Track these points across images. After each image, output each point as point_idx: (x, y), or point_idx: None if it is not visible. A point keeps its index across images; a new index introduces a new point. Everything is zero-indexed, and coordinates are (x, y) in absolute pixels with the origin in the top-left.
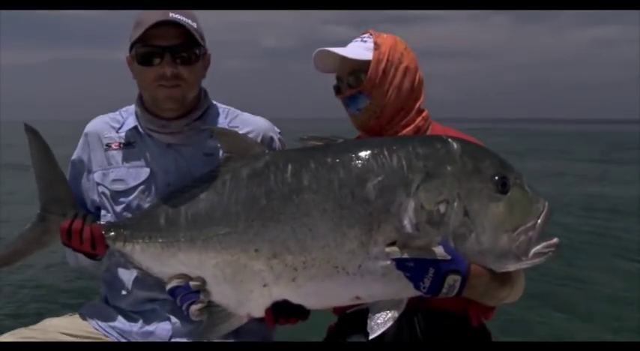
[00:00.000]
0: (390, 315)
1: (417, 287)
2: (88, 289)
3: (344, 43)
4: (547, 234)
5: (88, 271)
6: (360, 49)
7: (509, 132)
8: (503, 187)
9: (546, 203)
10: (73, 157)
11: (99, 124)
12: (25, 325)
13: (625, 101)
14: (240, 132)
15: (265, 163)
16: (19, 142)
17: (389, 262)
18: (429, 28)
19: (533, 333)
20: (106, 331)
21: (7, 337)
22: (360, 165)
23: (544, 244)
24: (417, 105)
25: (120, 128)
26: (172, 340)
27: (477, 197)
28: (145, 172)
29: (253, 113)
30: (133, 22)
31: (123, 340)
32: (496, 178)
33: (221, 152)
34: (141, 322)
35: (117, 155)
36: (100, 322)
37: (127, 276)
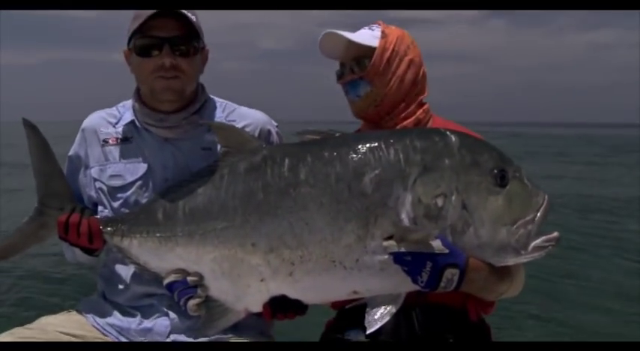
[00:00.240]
0: (387, 309)
1: (414, 281)
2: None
3: None
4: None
5: (85, 266)
6: (367, 36)
7: (507, 135)
8: (502, 180)
9: (546, 196)
10: (70, 152)
11: (96, 120)
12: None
13: (622, 106)
14: (238, 125)
15: (263, 157)
16: (19, 142)
17: (386, 256)
18: (427, 32)
19: (529, 329)
20: (104, 329)
21: (5, 337)
22: (357, 158)
23: (544, 238)
24: (420, 99)
25: (117, 123)
26: (171, 335)
27: (475, 191)
28: (143, 168)
29: None
30: (132, 15)
31: (122, 339)
32: (495, 171)
33: (219, 146)
34: (139, 317)
35: (114, 150)
36: (97, 319)
37: (125, 271)
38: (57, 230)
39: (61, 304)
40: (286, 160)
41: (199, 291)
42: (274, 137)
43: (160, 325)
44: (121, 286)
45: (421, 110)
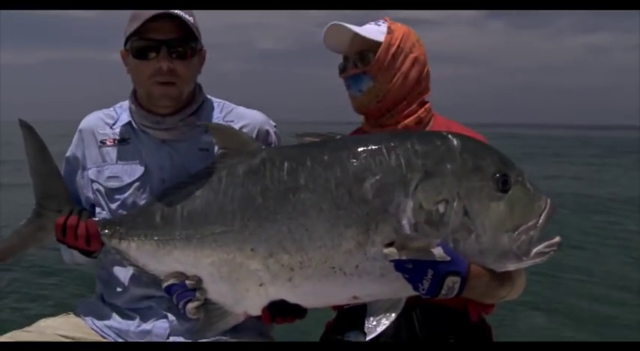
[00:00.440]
0: (387, 316)
1: (415, 289)
2: None
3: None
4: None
5: (84, 268)
6: (373, 30)
7: (505, 136)
8: (504, 185)
9: (548, 201)
10: (68, 153)
11: (93, 121)
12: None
13: (620, 108)
14: (236, 126)
15: (261, 160)
16: (19, 141)
17: (387, 263)
18: (425, 33)
19: (530, 318)
20: (103, 332)
21: (3, 339)
22: (357, 163)
23: (545, 243)
24: (422, 98)
25: (114, 124)
26: (170, 338)
27: (477, 196)
28: (140, 169)
29: None
30: (130, 15)
31: (120, 341)
32: (497, 176)
33: (216, 147)
34: (138, 320)
35: (111, 152)
36: (96, 322)
37: (123, 273)
38: (54, 232)
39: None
40: (285, 164)
41: (198, 294)
42: (272, 137)
43: (159, 328)
44: (119, 289)
45: (423, 109)
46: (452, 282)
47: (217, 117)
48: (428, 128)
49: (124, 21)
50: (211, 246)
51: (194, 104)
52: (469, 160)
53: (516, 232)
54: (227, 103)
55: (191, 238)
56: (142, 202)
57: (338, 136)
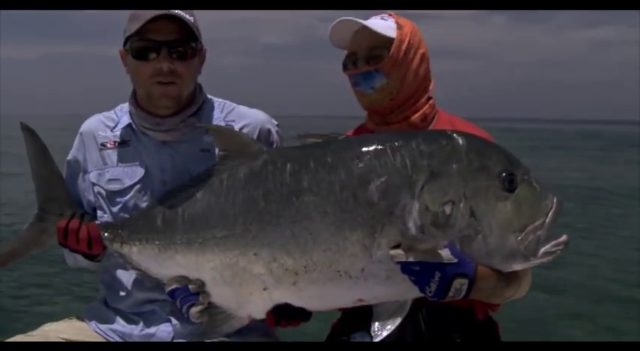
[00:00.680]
0: (393, 318)
1: (422, 291)
2: None
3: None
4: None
5: (87, 271)
6: (384, 26)
7: (506, 130)
8: (510, 184)
9: (555, 199)
10: (69, 157)
11: (94, 123)
12: None
13: (621, 102)
14: (237, 125)
15: (263, 162)
16: (18, 134)
17: (393, 265)
18: (426, 27)
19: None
20: (107, 335)
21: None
22: (361, 165)
23: (553, 242)
24: (428, 93)
25: (115, 127)
26: (174, 341)
27: (483, 197)
28: (141, 171)
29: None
30: (129, 15)
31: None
32: (503, 175)
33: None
34: (141, 324)
35: (112, 154)
36: (100, 325)
37: (126, 277)
38: (56, 236)
39: None
40: (288, 166)
41: (201, 298)
42: (274, 137)
43: (163, 331)
44: (122, 293)
45: (427, 105)
46: (459, 284)
47: (218, 117)
48: (432, 124)
49: (124, 15)
50: (213, 250)
51: (194, 105)
52: (475, 159)
53: (523, 232)
54: (228, 102)
55: (192, 242)
56: (144, 205)
57: (340, 137)
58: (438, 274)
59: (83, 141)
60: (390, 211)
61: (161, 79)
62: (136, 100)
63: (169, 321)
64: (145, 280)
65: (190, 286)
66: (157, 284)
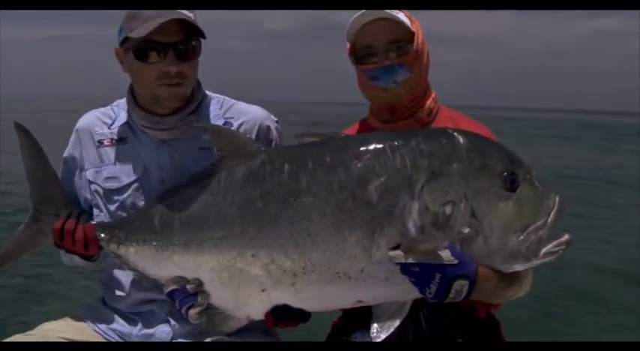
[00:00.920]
0: (393, 319)
1: (422, 292)
2: None
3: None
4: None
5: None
6: (402, 18)
7: (508, 119)
8: (512, 184)
9: (557, 198)
10: (65, 154)
11: (90, 120)
12: None
13: (621, 93)
14: (236, 122)
15: (261, 162)
16: (18, 116)
17: (392, 266)
18: (426, 15)
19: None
20: (106, 334)
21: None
22: (360, 165)
23: (554, 242)
24: (430, 87)
25: (112, 124)
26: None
27: (484, 197)
28: (138, 169)
29: (253, 95)
30: (126, 13)
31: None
32: (505, 174)
33: None
34: (140, 324)
35: (109, 152)
36: (99, 325)
37: (124, 277)
38: (52, 237)
39: None
40: (286, 166)
41: (200, 298)
42: (274, 133)
43: (162, 332)
44: (120, 293)
45: (431, 99)
46: (460, 285)
47: (217, 114)
48: (436, 119)
49: None
50: (211, 251)
51: (193, 103)
52: (476, 158)
53: (525, 233)
54: (227, 98)
55: (190, 243)
56: (141, 203)
57: (339, 136)
58: (438, 276)
59: (79, 138)
60: (390, 211)
61: (167, 81)
62: (134, 99)
63: (168, 321)
64: (142, 281)
65: (188, 287)
66: (155, 284)
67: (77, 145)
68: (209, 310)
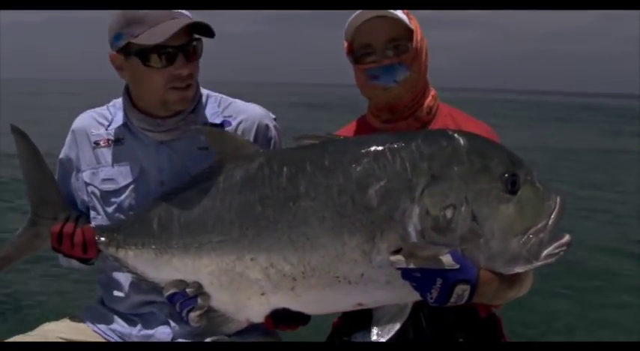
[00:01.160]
0: (393, 322)
1: (423, 297)
2: None
3: (349, 14)
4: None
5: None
6: (401, 15)
7: (508, 101)
8: (513, 185)
9: (558, 199)
10: (61, 155)
11: (86, 120)
12: None
13: (622, 76)
14: (235, 120)
15: (259, 165)
16: (19, 99)
17: (393, 270)
18: None
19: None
20: (106, 334)
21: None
22: (360, 168)
23: (555, 244)
24: (428, 85)
25: (109, 125)
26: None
27: (485, 200)
28: (136, 171)
29: (254, 77)
30: (124, 16)
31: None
32: (505, 176)
33: None
34: (140, 325)
35: (106, 153)
36: (99, 325)
37: (123, 279)
38: (50, 240)
39: None
40: (284, 170)
41: (200, 301)
42: (272, 132)
43: (162, 333)
44: (120, 294)
45: (431, 97)
46: (461, 290)
47: (215, 112)
48: (435, 117)
49: None
50: (210, 255)
51: (193, 102)
52: (477, 160)
53: (526, 235)
54: (224, 97)
55: (189, 247)
56: (139, 205)
57: (338, 138)
58: (439, 281)
59: (76, 139)
60: (390, 215)
61: (178, 85)
62: (131, 102)
63: (168, 323)
64: (141, 284)
65: (188, 290)
66: (154, 287)
67: (73, 146)
68: (209, 312)
